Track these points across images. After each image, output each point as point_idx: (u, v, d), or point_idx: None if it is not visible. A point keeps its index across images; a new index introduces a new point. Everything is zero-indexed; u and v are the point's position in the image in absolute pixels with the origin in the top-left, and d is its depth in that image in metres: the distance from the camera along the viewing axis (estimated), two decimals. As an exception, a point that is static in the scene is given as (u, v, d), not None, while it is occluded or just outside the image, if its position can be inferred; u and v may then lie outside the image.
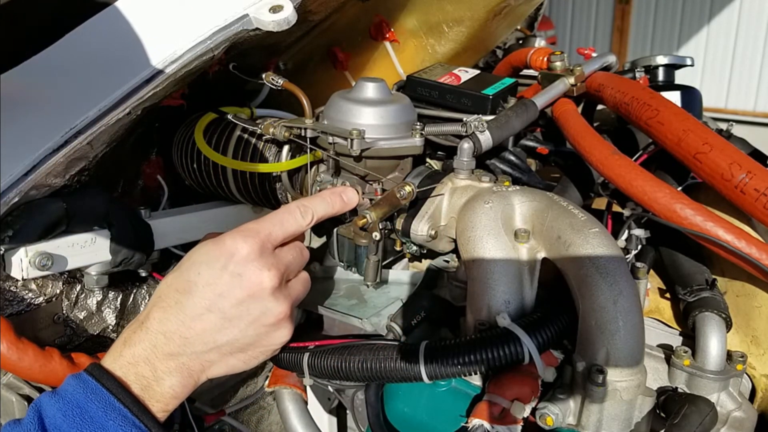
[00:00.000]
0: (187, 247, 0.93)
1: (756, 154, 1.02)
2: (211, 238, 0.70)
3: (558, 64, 1.04)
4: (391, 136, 0.83)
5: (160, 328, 0.66)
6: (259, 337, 0.69)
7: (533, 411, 0.67)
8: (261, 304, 0.68)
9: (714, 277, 0.80)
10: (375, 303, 0.85)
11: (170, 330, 0.66)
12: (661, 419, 0.69)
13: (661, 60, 1.25)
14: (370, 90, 0.84)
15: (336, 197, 0.79)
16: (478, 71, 1.02)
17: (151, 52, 0.78)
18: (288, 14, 0.79)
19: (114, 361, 0.65)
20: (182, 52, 0.77)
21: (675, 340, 0.80)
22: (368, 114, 0.82)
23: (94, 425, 0.60)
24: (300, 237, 0.77)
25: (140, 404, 0.63)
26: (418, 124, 0.85)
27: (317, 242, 0.98)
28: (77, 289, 0.90)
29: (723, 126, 1.14)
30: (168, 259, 1.00)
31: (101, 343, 0.95)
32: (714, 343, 0.72)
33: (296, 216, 0.73)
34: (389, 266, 0.92)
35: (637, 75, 1.23)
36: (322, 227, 0.94)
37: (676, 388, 0.72)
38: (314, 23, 1.05)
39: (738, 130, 1.14)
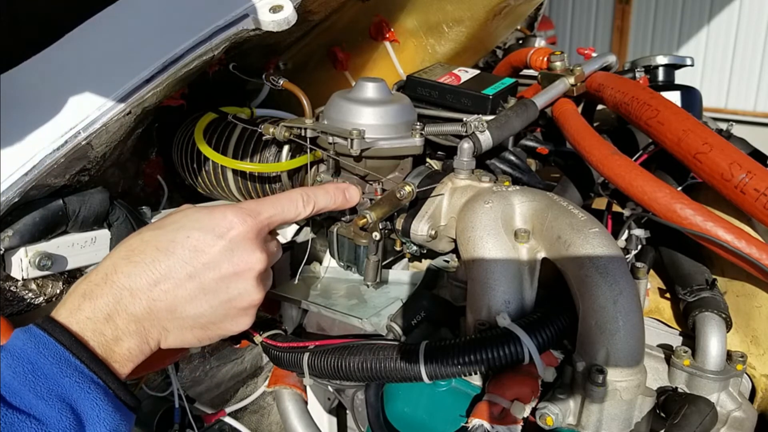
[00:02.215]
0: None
1: (756, 154, 1.02)
2: (191, 208, 0.68)
3: (558, 64, 1.04)
4: (391, 136, 0.83)
5: (127, 283, 0.61)
6: (225, 318, 0.66)
7: (533, 411, 0.67)
8: (242, 286, 0.65)
9: (714, 277, 0.80)
10: (375, 303, 0.85)
11: (138, 288, 0.61)
12: (661, 419, 0.69)
13: (661, 60, 1.25)
14: (370, 90, 0.84)
15: (339, 192, 0.79)
16: (478, 71, 1.02)
17: (151, 52, 0.78)
18: (288, 14, 0.79)
19: (71, 314, 0.59)
20: (182, 52, 0.77)
21: (675, 340, 0.80)
22: (368, 114, 0.82)
23: (48, 382, 0.54)
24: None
25: (98, 359, 0.58)
26: (418, 124, 0.85)
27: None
28: (77, 289, 0.90)
29: (723, 126, 1.14)
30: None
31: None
32: (714, 343, 0.72)
33: (298, 204, 0.73)
34: (389, 266, 0.92)
35: (637, 75, 1.23)
36: (321, 227, 0.94)
37: (676, 388, 0.72)
38: (314, 23, 1.05)
39: (738, 130, 1.14)
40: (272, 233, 0.73)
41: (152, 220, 0.92)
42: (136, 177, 1.04)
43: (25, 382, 0.54)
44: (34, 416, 0.53)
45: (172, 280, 0.63)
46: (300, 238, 0.96)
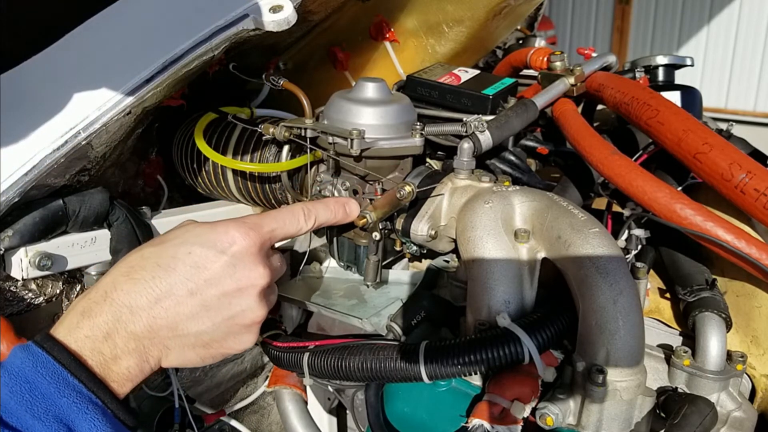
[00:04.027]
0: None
1: (756, 154, 1.02)
2: (192, 224, 0.67)
3: (558, 64, 1.04)
4: (391, 136, 0.83)
5: (126, 300, 0.60)
6: (227, 336, 0.65)
7: (533, 411, 0.67)
8: (245, 302, 0.65)
9: (714, 277, 0.80)
10: (375, 303, 0.85)
11: (139, 305, 0.60)
12: (661, 419, 0.69)
13: (661, 60, 1.25)
14: (370, 90, 0.84)
15: (339, 207, 0.78)
16: (478, 71, 1.02)
17: (151, 52, 0.78)
18: (288, 14, 0.79)
19: (69, 332, 0.58)
20: (182, 52, 0.77)
21: (675, 340, 0.80)
22: (368, 114, 0.82)
23: (45, 402, 0.53)
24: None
25: (97, 379, 0.57)
26: (418, 124, 0.85)
27: (317, 242, 0.98)
28: (77, 289, 0.90)
29: (723, 126, 1.14)
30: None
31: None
32: (714, 343, 0.72)
33: (299, 219, 0.72)
34: (389, 266, 0.92)
35: (637, 75, 1.23)
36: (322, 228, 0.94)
37: (676, 388, 0.72)
38: (314, 23, 1.05)
39: (738, 130, 1.14)
40: (273, 248, 0.72)
41: (152, 221, 0.92)
42: (136, 177, 1.04)
43: (21, 401, 0.53)
44: None
45: (173, 297, 0.62)
46: (300, 240, 0.96)
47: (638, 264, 0.76)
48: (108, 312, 0.60)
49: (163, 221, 0.94)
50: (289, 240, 0.98)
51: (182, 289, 0.62)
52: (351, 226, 0.86)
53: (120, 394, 0.59)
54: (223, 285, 0.63)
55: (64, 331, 0.59)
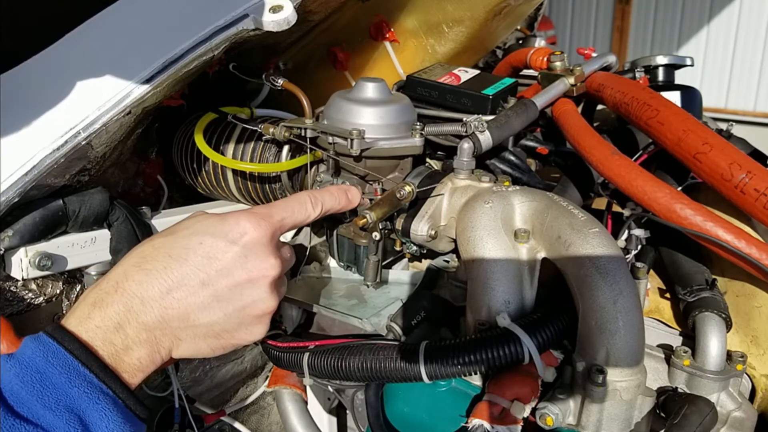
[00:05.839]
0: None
1: (756, 154, 1.02)
2: (203, 215, 0.67)
3: (558, 64, 1.04)
4: (391, 136, 0.83)
5: (138, 291, 0.60)
6: (239, 327, 0.66)
7: (533, 411, 0.67)
8: (256, 292, 0.65)
9: (714, 277, 0.80)
10: (375, 303, 0.85)
11: (150, 296, 0.60)
12: (661, 419, 0.69)
13: (661, 60, 1.25)
14: (370, 90, 0.84)
15: (342, 194, 0.79)
16: (478, 71, 1.02)
17: (151, 52, 0.78)
18: (288, 14, 0.79)
19: (80, 323, 0.58)
20: (182, 52, 0.77)
21: (675, 340, 0.80)
22: (368, 114, 0.82)
23: (56, 392, 0.53)
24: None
25: (108, 369, 0.57)
26: (418, 124, 0.85)
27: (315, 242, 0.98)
28: (77, 289, 0.90)
29: (723, 126, 1.14)
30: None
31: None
32: (714, 343, 0.72)
33: (307, 206, 0.72)
34: (389, 266, 0.92)
35: (637, 75, 1.23)
36: (321, 227, 0.94)
37: (676, 388, 0.72)
38: (314, 23, 1.05)
39: (738, 130, 1.14)
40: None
41: (152, 221, 0.92)
42: (136, 177, 1.04)
43: (33, 391, 0.53)
44: (42, 426, 0.52)
45: (185, 288, 0.62)
46: (300, 239, 0.96)
47: (638, 264, 0.76)
48: (119, 302, 0.60)
49: (163, 221, 0.94)
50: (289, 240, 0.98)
51: (194, 280, 0.62)
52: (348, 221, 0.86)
53: (131, 385, 0.59)
54: (234, 276, 0.63)
55: (75, 321, 0.59)
